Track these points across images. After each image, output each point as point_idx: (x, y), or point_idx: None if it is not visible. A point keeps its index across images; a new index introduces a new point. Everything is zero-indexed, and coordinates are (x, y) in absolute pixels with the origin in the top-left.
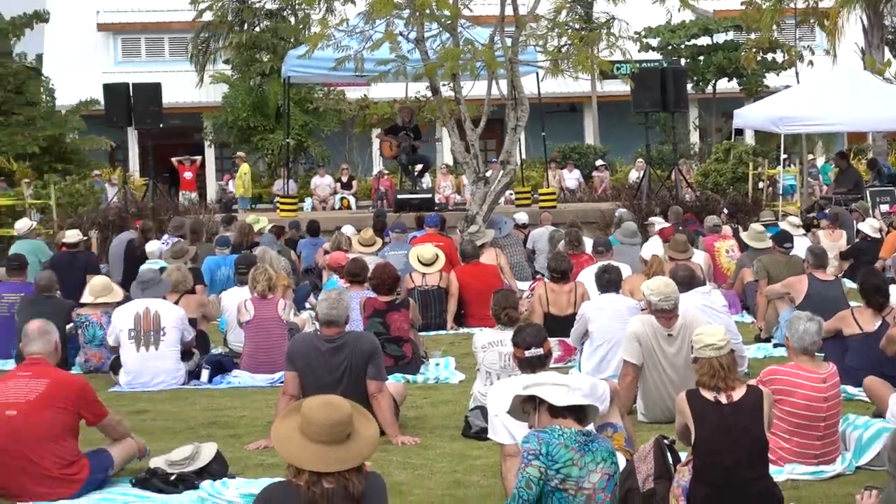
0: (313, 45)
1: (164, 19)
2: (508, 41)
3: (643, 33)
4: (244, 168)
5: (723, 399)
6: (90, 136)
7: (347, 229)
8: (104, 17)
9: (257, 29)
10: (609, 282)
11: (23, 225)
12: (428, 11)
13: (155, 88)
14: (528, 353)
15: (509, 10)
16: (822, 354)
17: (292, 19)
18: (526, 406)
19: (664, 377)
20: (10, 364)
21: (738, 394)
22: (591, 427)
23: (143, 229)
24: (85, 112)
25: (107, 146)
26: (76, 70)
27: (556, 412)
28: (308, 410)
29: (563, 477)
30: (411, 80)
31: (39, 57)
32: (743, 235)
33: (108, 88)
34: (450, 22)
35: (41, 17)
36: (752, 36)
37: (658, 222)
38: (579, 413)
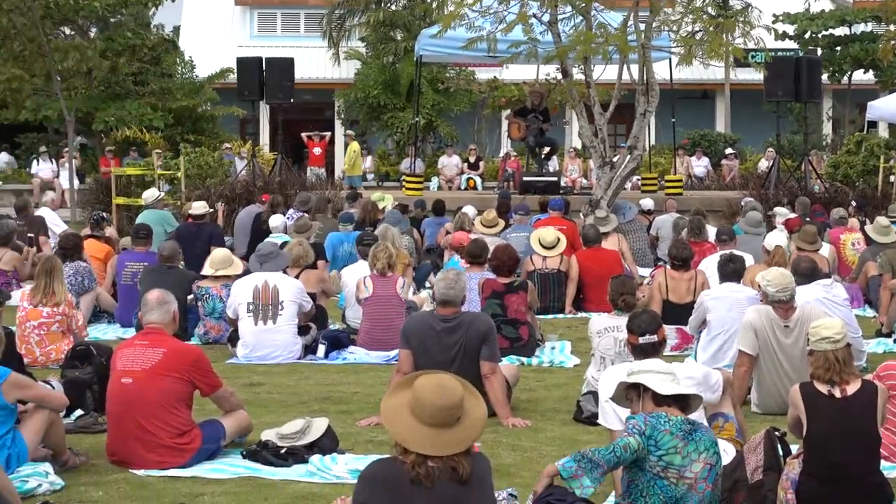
0: (446, 25)
1: None
2: (642, 26)
3: (780, 19)
4: (353, 146)
5: (837, 393)
6: (223, 106)
7: (469, 210)
8: None
9: (393, 7)
10: (734, 272)
11: (150, 195)
12: None
13: (288, 63)
14: (641, 340)
15: None
16: None
17: None
18: (630, 393)
19: (779, 369)
20: (131, 332)
21: (852, 388)
22: (695, 415)
23: (273, 203)
24: (218, 85)
25: (239, 114)
26: (212, 43)
27: (660, 400)
28: (420, 390)
29: (665, 465)
30: (542, 63)
31: (177, 29)
32: (867, 229)
33: (241, 62)
34: (584, 5)
35: None
36: (892, 27)
37: (783, 213)
38: (683, 402)
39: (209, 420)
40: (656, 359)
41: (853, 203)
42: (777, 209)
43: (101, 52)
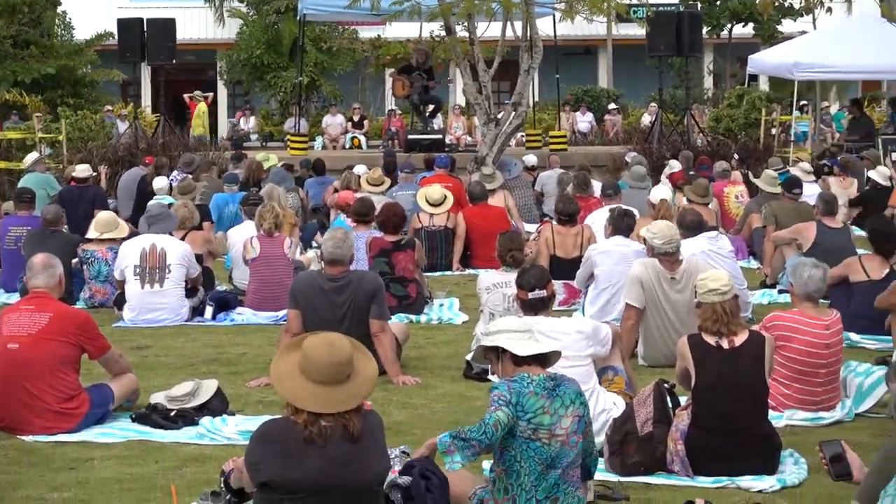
0: None
1: None
2: None
3: None
4: (201, 107)
5: (724, 344)
6: (103, 69)
7: (360, 168)
8: None
9: None
10: (628, 226)
11: (30, 158)
12: None
13: (169, 24)
14: (531, 295)
15: None
16: (827, 302)
17: None
18: (489, 354)
19: (666, 321)
20: (16, 297)
21: (739, 339)
22: (585, 369)
23: (157, 165)
24: (99, 47)
25: (119, 78)
26: (91, 4)
27: (520, 360)
28: (309, 349)
29: (535, 427)
30: (426, 21)
31: None
32: (757, 180)
33: (121, 23)
34: None
35: None
36: None
37: (675, 166)
38: (542, 359)
39: (97, 384)
40: (516, 318)
41: (735, 156)
42: (671, 162)
43: None
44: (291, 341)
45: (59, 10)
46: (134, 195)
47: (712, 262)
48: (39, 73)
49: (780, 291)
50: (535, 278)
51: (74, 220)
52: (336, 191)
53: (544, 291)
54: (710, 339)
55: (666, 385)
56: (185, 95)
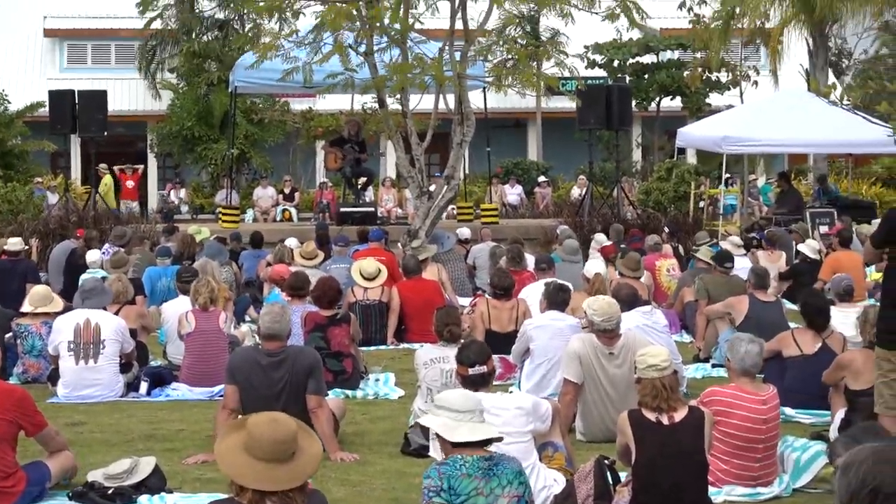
0: (262, 56)
1: (111, 26)
2: (457, 55)
3: (589, 50)
4: (106, 180)
5: (665, 420)
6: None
7: (291, 242)
8: (51, 23)
9: (206, 38)
10: (563, 301)
11: None
12: (379, 24)
13: (100, 96)
14: (471, 371)
15: (459, 25)
16: (762, 376)
17: (241, 29)
18: (429, 432)
19: (604, 396)
20: None
21: (679, 414)
22: (524, 446)
23: (87, 238)
24: (29, 118)
25: (50, 148)
26: (22, 75)
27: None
28: (253, 427)
29: None
30: (359, 93)
31: None
32: (696, 254)
33: (52, 95)
34: (399, 36)
35: None
36: (698, 55)
37: (601, 240)
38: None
39: (33, 462)
40: (460, 394)
41: (666, 229)
42: (596, 236)
43: None
44: (236, 422)
45: None
46: (64, 269)
47: (648, 336)
48: None
49: (714, 366)
50: (475, 354)
51: (6, 294)
52: (269, 264)
53: (485, 367)
54: (651, 415)
55: (606, 461)
56: (116, 167)
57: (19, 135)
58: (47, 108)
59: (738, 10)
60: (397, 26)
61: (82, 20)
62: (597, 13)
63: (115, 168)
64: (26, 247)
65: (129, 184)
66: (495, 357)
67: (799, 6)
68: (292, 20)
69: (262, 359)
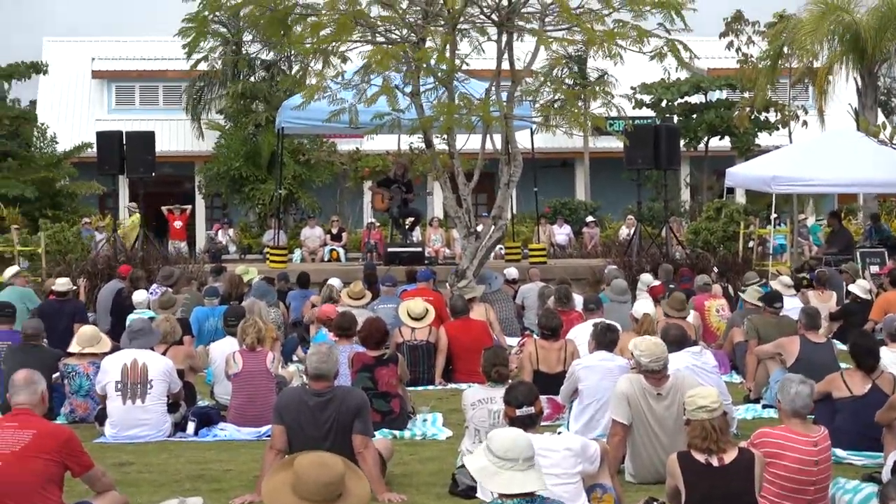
0: (309, 97)
1: (159, 67)
2: (504, 96)
3: (637, 90)
4: (133, 219)
5: (714, 462)
6: (82, 181)
7: (335, 282)
8: (99, 65)
9: (253, 79)
10: (611, 341)
11: (10, 271)
12: (425, 65)
13: (148, 137)
14: (519, 412)
15: (506, 65)
16: (813, 417)
17: (288, 70)
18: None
19: (653, 437)
20: None
21: (729, 456)
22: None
23: (133, 279)
24: (77, 159)
25: (98, 190)
26: (70, 117)
27: None
28: (300, 468)
29: None
30: (406, 134)
31: (33, 103)
32: (744, 294)
33: (100, 136)
34: (446, 76)
35: (39, 68)
36: (746, 95)
37: (647, 280)
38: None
39: (80, 502)
40: (509, 436)
41: (715, 269)
42: (642, 276)
43: None
44: (283, 461)
45: (40, 122)
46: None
47: (697, 377)
48: (21, 190)
49: (765, 406)
50: (523, 395)
51: (54, 334)
52: (315, 305)
53: (532, 408)
54: (700, 457)
55: (655, 503)
56: (164, 208)
57: (68, 175)
58: (95, 149)
59: (785, 50)
60: (444, 67)
61: (130, 62)
62: (644, 53)
63: (164, 208)
64: (74, 287)
65: (177, 224)
66: (543, 398)
67: (848, 45)
68: (339, 62)
69: (309, 399)
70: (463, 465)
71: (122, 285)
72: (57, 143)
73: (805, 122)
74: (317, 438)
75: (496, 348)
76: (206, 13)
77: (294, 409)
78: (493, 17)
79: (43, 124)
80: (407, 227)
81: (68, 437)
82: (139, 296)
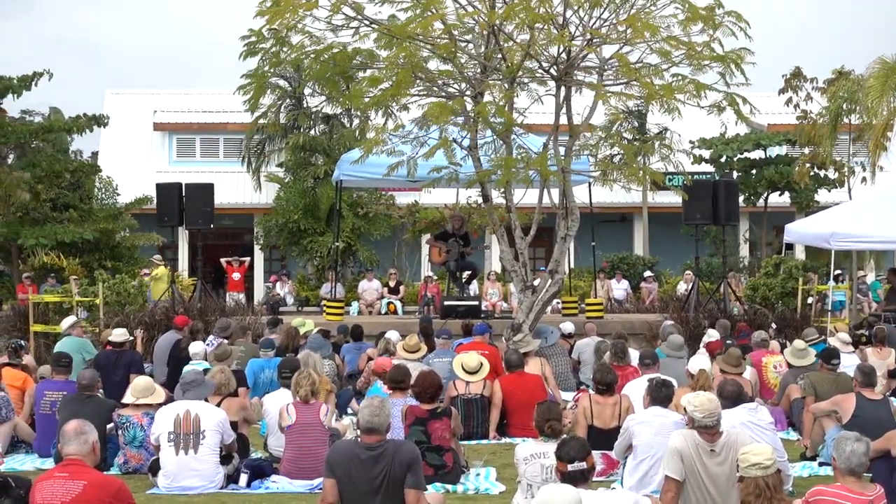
0: (368, 150)
1: (220, 120)
2: (561, 150)
3: (696, 145)
4: (161, 271)
5: None
6: (142, 233)
7: (392, 335)
8: (160, 117)
9: (313, 132)
10: (666, 397)
11: (67, 322)
12: (483, 119)
13: (207, 189)
14: (570, 468)
15: (564, 120)
16: (870, 475)
17: (347, 123)
18: None
19: (706, 494)
20: (50, 463)
21: None
22: None
23: (193, 330)
24: (137, 210)
25: (158, 241)
26: (132, 169)
27: None
28: None
29: None
30: (463, 187)
31: (95, 154)
32: (785, 352)
33: (160, 187)
34: (504, 130)
35: (101, 121)
36: (806, 151)
37: (713, 335)
38: None
39: None
40: (562, 493)
41: (773, 325)
42: (709, 331)
43: (26, 179)
44: None
45: (103, 174)
46: (168, 360)
47: (752, 433)
48: (79, 235)
49: (821, 464)
50: (575, 450)
51: (110, 384)
52: (371, 358)
53: (584, 464)
54: None
55: None
56: (223, 259)
57: (128, 227)
58: (155, 201)
59: (845, 107)
60: (502, 120)
61: (191, 114)
62: (703, 107)
63: (223, 260)
64: (131, 338)
65: (236, 276)
66: (597, 453)
67: None
68: (398, 115)
69: (361, 453)
70: None
71: (179, 336)
72: (118, 194)
73: (864, 179)
74: (368, 492)
75: (549, 403)
76: (266, 69)
77: (345, 462)
78: (552, 71)
79: (108, 177)
80: (464, 280)
81: (119, 488)
82: (196, 347)
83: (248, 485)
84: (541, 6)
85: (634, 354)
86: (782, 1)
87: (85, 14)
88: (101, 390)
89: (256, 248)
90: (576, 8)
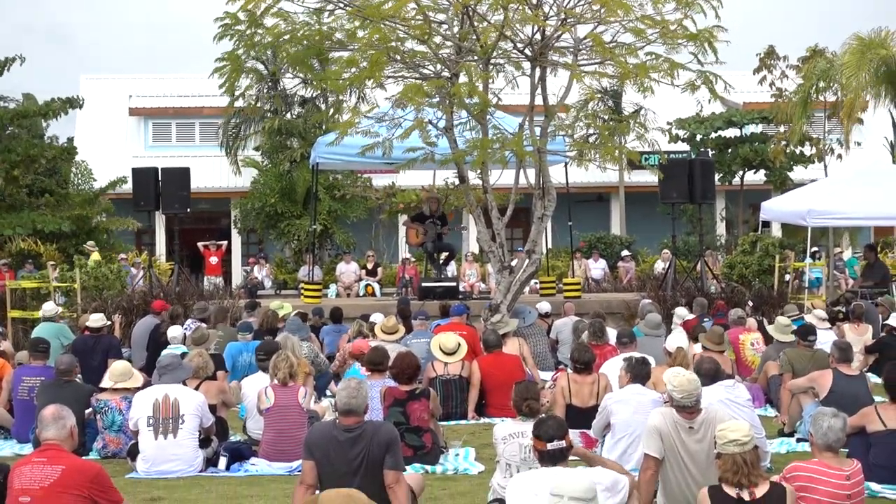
0: (343, 132)
1: (196, 104)
2: (537, 130)
3: (671, 125)
4: (95, 256)
5: (745, 496)
6: (118, 217)
7: (377, 317)
8: (136, 102)
9: (289, 115)
10: (645, 375)
11: (48, 308)
12: (458, 100)
13: (183, 173)
14: (549, 446)
15: (539, 100)
16: (846, 451)
17: (323, 106)
18: None
19: (685, 471)
20: (29, 448)
21: (761, 490)
22: None
23: (173, 315)
24: (113, 196)
25: (133, 227)
26: (107, 154)
27: None
28: (326, 502)
29: None
30: (439, 168)
31: (70, 140)
32: (769, 328)
33: (136, 172)
34: (479, 111)
35: (75, 103)
36: (781, 129)
37: (682, 314)
38: None
39: None
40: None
41: (750, 303)
42: (677, 310)
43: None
44: (309, 497)
45: (78, 158)
46: (147, 344)
47: (730, 411)
48: (58, 226)
49: (799, 440)
50: (553, 429)
51: (88, 369)
52: (349, 339)
53: (563, 442)
54: (731, 491)
55: None
56: (200, 244)
57: (104, 212)
58: (130, 185)
59: (820, 85)
60: (477, 101)
61: (167, 98)
62: (677, 86)
63: (200, 244)
64: (108, 323)
65: (213, 260)
66: (576, 432)
67: (883, 78)
68: (373, 95)
69: (339, 434)
70: (494, 500)
71: (157, 321)
72: (94, 179)
73: (840, 156)
74: (347, 474)
75: (527, 382)
76: (241, 51)
77: (324, 444)
78: (527, 51)
79: (83, 162)
80: (441, 261)
81: (97, 473)
82: (174, 331)
83: (228, 468)
84: None
85: (612, 333)
86: None
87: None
88: (79, 375)
89: (234, 231)
90: None
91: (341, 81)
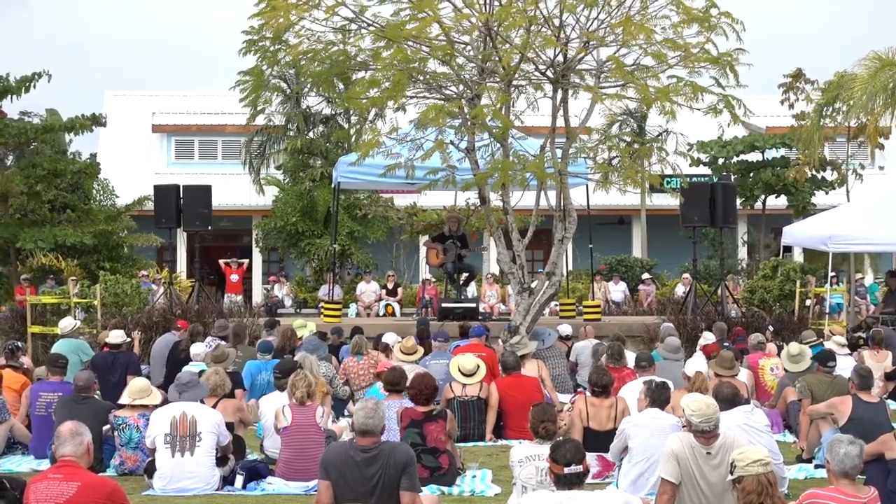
0: (364, 153)
1: (218, 122)
2: (558, 153)
3: (693, 147)
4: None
5: None
6: (140, 234)
7: (390, 337)
8: (159, 119)
9: (311, 134)
10: (666, 399)
11: (66, 324)
12: (480, 122)
13: (205, 191)
14: (566, 470)
15: (560, 122)
16: (863, 478)
17: (345, 125)
18: None
19: (701, 497)
20: (46, 464)
21: None
22: None
23: (193, 332)
24: (136, 212)
25: (156, 242)
26: (129, 170)
27: None
28: None
29: None
30: (460, 190)
31: (94, 156)
32: (781, 356)
33: (158, 189)
34: (501, 132)
35: (99, 121)
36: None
37: (709, 338)
38: None
39: None
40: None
41: (770, 328)
42: (704, 334)
43: (23, 179)
44: None
45: (101, 176)
46: (166, 361)
47: (748, 436)
48: (80, 239)
49: (817, 466)
50: (570, 453)
51: (107, 385)
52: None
53: (580, 467)
54: None
55: None
56: (221, 261)
57: (126, 229)
58: (152, 203)
59: (837, 105)
60: (499, 123)
61: (190, 116)
62: (698, 109)
63: (221, 262)
64: (128, 339)
65: (234, 277)
66: (593, 455)
67: None
68: (395, 117)
69: (355, 454)
70: None
71: (177, 338)
72: (117, 196)
73: (860, 176)
74: (363, 494)
75: (544, 405)
76: (264, 66)
77: (340, 464)
78: (549, 73)
79: (105, 179)
80: (461, 282)
81: (113, 490)
82: (196, 348)
83: (244, 486)
84: (534, 7)
85: (631, 357)
86: (787, 3)
87: (77, 14)
88: (97, 392)
89: (255, 250)
90: (572, 10)
91: (364, 101)
